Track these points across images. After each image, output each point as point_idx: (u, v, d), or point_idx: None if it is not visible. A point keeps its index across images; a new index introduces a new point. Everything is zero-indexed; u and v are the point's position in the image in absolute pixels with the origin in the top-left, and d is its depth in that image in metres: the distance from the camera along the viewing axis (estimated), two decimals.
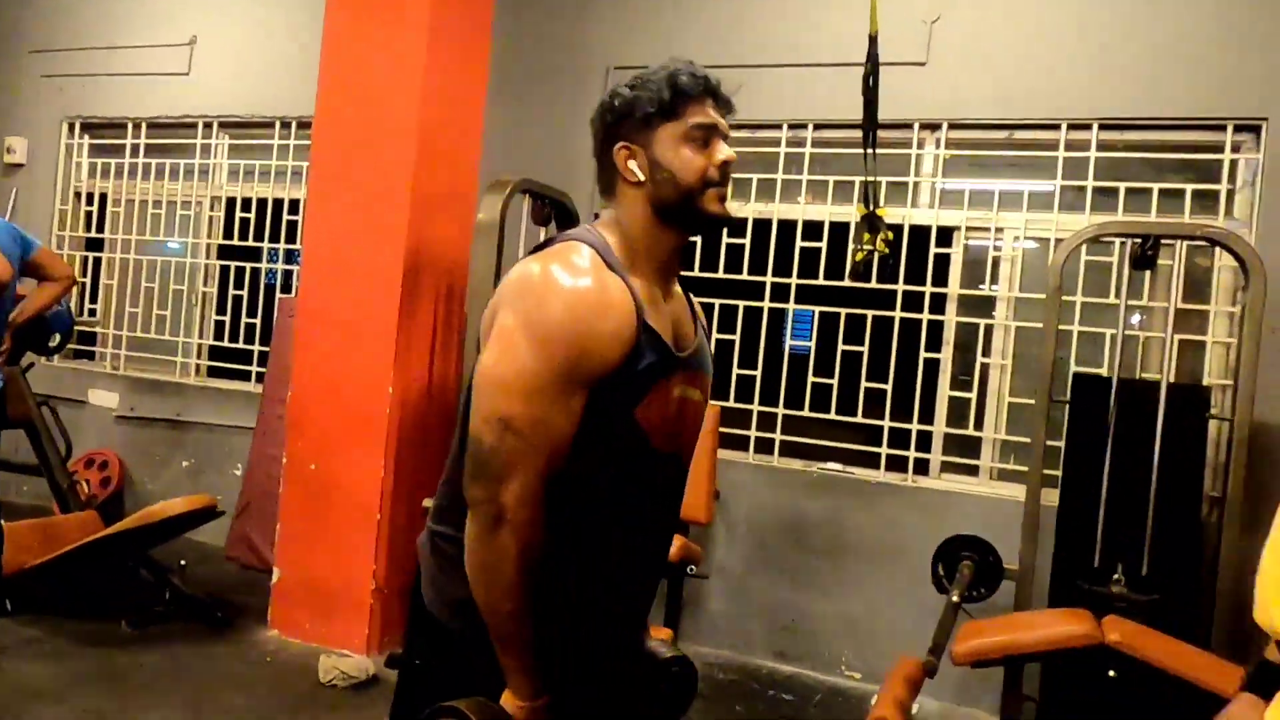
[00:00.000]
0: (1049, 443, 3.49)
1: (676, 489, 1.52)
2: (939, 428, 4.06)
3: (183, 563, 4.03)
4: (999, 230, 4.00)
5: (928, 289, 4.03)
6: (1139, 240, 3.41)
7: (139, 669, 3.46)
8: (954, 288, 4.05)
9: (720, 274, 4.32)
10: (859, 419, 4.16)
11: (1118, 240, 3.65)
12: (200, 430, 5.32)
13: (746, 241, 4.29)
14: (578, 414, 1.30)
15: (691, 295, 1.55)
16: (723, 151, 1.39)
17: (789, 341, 6.04)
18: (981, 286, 4.08)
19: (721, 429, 4.05)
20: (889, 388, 4.08)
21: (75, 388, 5.59)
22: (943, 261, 4.05)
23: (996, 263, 4.00)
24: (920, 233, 4.06)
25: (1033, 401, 3.56)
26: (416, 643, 1.49)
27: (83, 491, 5.11)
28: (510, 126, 4.52)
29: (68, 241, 5.76)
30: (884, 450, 4.10)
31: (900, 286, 4.06)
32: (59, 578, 3.88)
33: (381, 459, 3.69)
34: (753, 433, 4.30)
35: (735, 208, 4.34)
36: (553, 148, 4.50)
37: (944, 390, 4.05)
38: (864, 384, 4.10)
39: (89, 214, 5.79)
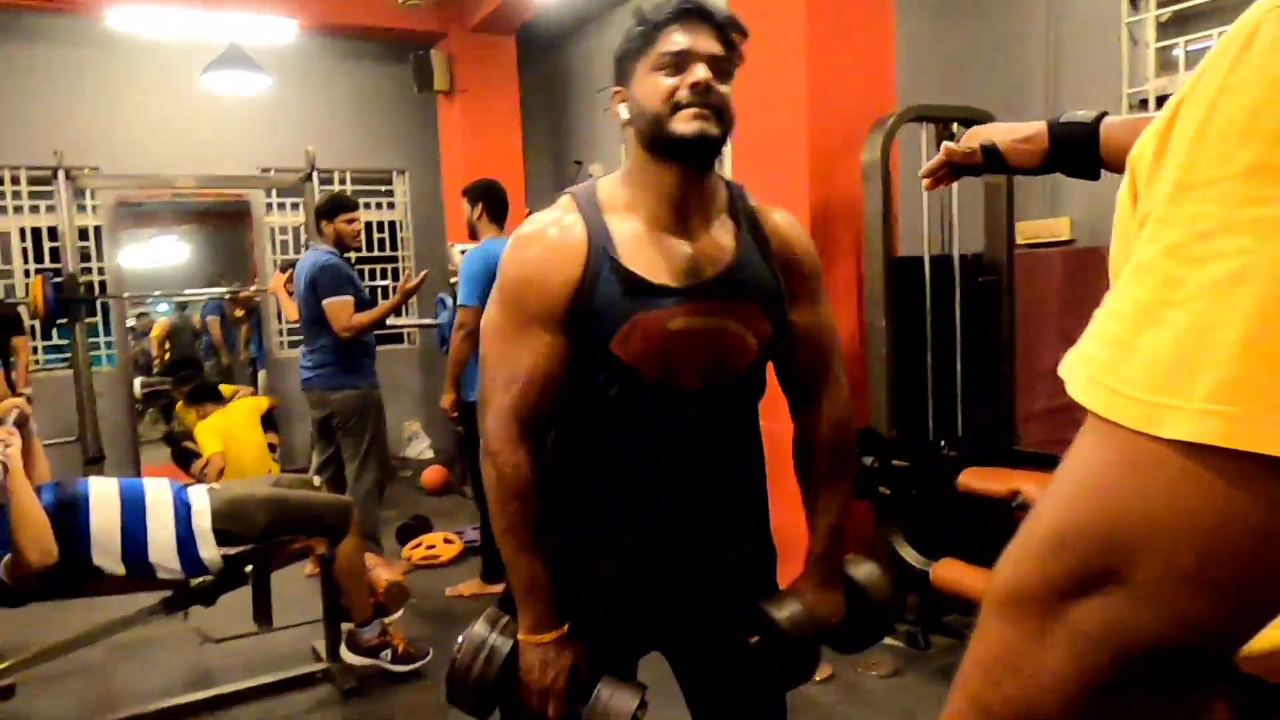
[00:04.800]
0: None
1: (706, 421, 1.44)
2: None
3: None
4: None
5: None
6: None
7: None
8: None
9: None
10: None
11: None
12: None
13: None
14: (547, 351, 1.38)
15: (768, 219, 1.51)
16: (695, 73, 1.33)
17: None
18: None
19: None
20: None
21: None
22: None
23: None
24: None
25: None
26: None
27: None
28: (937, 48, 4.13)
29: None
30: None
31: None
32: None
33: None
34: None
35: None
36: (983, 66, 4.00)
37: None
38: None
39: None
